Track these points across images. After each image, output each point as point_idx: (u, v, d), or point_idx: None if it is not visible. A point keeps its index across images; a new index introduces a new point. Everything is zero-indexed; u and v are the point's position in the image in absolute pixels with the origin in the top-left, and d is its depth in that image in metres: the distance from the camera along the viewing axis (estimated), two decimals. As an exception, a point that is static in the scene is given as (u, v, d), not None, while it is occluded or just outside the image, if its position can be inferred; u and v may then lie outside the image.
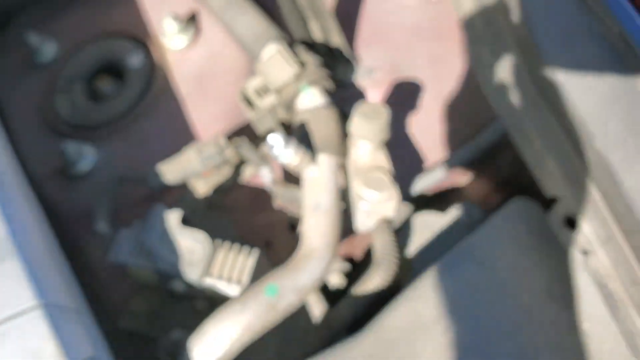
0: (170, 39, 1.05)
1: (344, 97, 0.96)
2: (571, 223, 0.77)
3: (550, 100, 0.75)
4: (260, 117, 0.88)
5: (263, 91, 0.88)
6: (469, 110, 0.97)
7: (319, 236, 0.75)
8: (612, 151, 0.69)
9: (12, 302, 0.61)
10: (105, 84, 1.07)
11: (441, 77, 0.98)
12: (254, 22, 0.91)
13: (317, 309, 0.87)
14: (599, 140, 0.70)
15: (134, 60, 1.06)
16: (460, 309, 0.70)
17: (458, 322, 0.69)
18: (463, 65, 0.97)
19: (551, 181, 0.78)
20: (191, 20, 1.06)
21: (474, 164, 0.95)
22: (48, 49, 1.10)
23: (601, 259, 0.74)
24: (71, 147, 0.95)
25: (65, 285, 0.69)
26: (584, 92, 0.71)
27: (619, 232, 0.70)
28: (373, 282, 0.76)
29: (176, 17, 1.02)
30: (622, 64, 0.69)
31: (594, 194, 0.73)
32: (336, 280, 0.94)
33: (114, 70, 1.08)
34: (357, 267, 0.98)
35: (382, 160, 0.82)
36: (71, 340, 0.63)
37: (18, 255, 0.64)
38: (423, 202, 0.95)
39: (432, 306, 0.69)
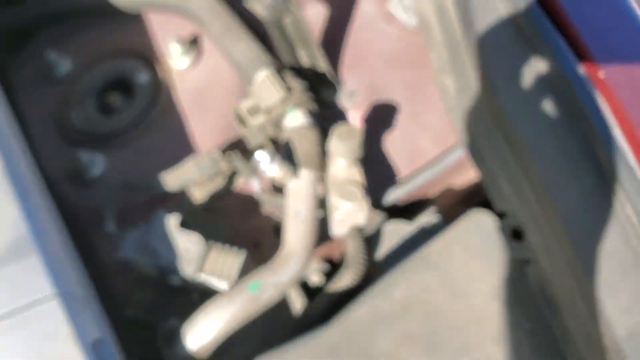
0: (174, 59, 1.09)
1: (327, 116, 1.01)
2: (517, 234, 0.85)
3: (502, 128, 0.83)
4: (252, 134, 0.94)
5: (254, 111, 0.94)
6: (438, 130, 1.02)
7: (298, 240, 0.82)
8: (549, 174, 0.77)
9: (32, 291, 0.67)
10: (115, 99, 1.10)
11: (414, 100, 1.04)
12: (248, 48, 0.97)
13: (298, 303, 0.94)
14: (539, 162, 0.78)
15: (142, 77, 1.10)
16: (414, 306, 0.77)
17: (412, 317, 0.76)
18: (433, 91, 1.03)
19: (501, 198, 0.86)
20: (194, 43, 1.11)
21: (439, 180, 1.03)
22: (64, 65, 1.14)
23: (541, 266, 0.81)
24: (84, 155, 1.00)
25: (77, 277, 0.76)
26: (529, 122, 0.79)
27: (556, 244, 0.78)
28: (344, 280, 0.84)
29: (180, 40, 1.07)
30: (559, 98, 0.77)
31: (537, 211, 0.80)
32: (316, 279, 1.01)
33: (124, 86, 1.12)
34: (335, 268, 1.05)
35: (356, 175, 0.89)
36: (82, 324, 0.69)
37: (38, 250, 0.70)
38: (396, 212, 1.02)
39: (390, 303, 0.76)
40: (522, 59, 0.80)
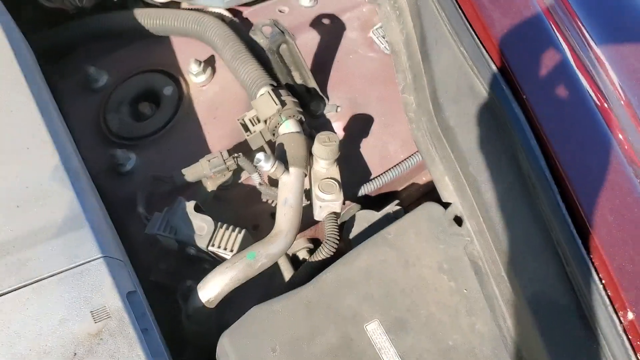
0: (193, 76, 1.25)
1: (315, 125, 1.19)
2: (458, 221, 1.02)
3: (447, 137, 1.01)
4: (253, 138, 1.11)
5: (256, 120, 1.12)
6: (405, 138, 1.19)
7: (286, 222, 0.99)
8: (479, 174, 0.94)
9: (84, 254, 0.83)
10: (144, 107, 1.26)
11: (386, 113, 1.20)
12: (251, 70, 1.13)
13: (287, 273, 1.12)
14: (472, 167, 0.95)
15: (167, 90, 1.26)
16: (374, 274, 0.93)
17: (371, 282, 0.92)
18: (401, 106, 1.21)
19: (446, 191, 1.03)
20: (209, 63, 1.27)
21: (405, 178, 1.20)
22: (101, 78, 1.29)
23: (475, 246, 0.98)
24: (119, 153, 1.15)
25: (116, 245, 0.94)
26: (466, 133, 0.97)
27: (485, 228, 0.96)
28: (321, 253, 1.01)
29: (198, 60, 1.24)
30: (490, 117, 0.94)
31: (472, 202, 0.98)
32: (303, 254, 1.20)
33: (152, 97, 1.28)
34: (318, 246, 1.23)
35: (334, 173, 1.06)
36: (119, 279, 0.84)
37: (88, 225, 0.87)
38: (367, 203, 1.20)
39: (354, 270, 0.92)
40: (463, 84, 0.97)
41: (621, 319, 0.81)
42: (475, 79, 0.97)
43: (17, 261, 0.85)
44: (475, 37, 0.99)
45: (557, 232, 0.85)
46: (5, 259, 0.85)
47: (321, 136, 1.04)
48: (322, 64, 1.28)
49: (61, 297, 0.83)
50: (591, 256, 0.83)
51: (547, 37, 0.96)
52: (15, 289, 0.83)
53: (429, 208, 1.04)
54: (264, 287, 1.09)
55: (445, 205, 1.03)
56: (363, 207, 1.16)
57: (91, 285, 0.84)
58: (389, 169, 1.16)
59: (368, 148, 1.20)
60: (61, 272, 0.84)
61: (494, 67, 0.96)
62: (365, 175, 1.18)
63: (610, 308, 0.82)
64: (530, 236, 0.89)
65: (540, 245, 0.87)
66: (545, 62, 0.97)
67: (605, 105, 0.95)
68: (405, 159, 1.17)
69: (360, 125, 1.22)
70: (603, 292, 0.82)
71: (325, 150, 1.03)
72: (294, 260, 1.19)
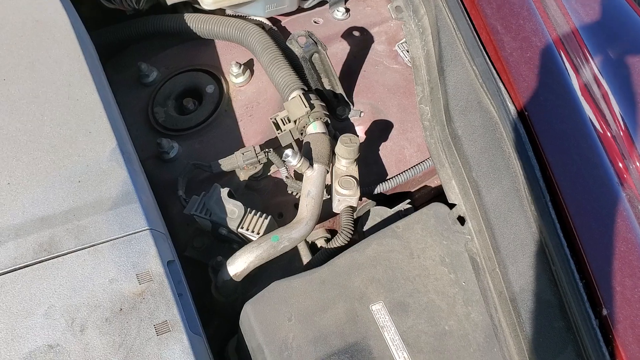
0: (233, 77, 1.37)
1: (339, 127, 1.30)
2: (461, 220, 1.13)
3: (456, 145, 1.12)
4: (283, 136, 1.22)
5: (286, 120, 1.24)
6: (420, 144, 1.30)
7: (307, 211, 1.11)
8: (480, 179, 1.05)
9: (134, 225, 0.94)
10: (188, 103, 1.37)
11: (405, 120, 1.31)
12: (285, 75, 1.24)
13: (305, 258, 1.23)
14: (475, 172, 1.06)
15: (209, 88, 1.38)
16: (381, 261, 1.05)
17: (378, 268, 1.04)
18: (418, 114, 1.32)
19: (452, 194, 1.14)
20: (248, 66, 1.39)
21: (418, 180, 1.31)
22: (152, 74, 1.41)
23: (475, 244, 1.09)
24: (164, 142, 1.27)
25: (160, 220, 1.07)
26: (471, 142, 1.08)
27: (484, 228, 1.06)
28: (337, 242, 1.13)
29: (238, 63, 1.36)
30: (494, 129, 1.05)
31: (474, 204, 1.09)
32: (321, 243, 1.32)
33: (195, 94, 1.39)
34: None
35: (354, 171, 1.17)
36: (162, 249, 0.96)
37: (138, 201, 1.00)
38: (382, 200, 1.31)
39: (364, 256, 1.03)
40: (473, 98, 1.08)
41: (597, 314, 0.91)
42: (483, 95, 1.08)
43: (76, 228, 0.98)
44: (486, 57, 1.10)
45: (546, 234, 0.95)
46: (67, 225, 0.98)
47: (344, 138, 1.15)
48: (350, 72, 1.39)
49: (112, 260, 0.95)
50: (574, 258, 0.93)
51: (553, 61, 1.06)
52: (74, 251, 0.96)
53: (436, 207, 1.15)
54: (283, 269, 1.20)
55: (451, 205, 1.13)
56: (377, 204, 1.27)
57: (138, 252, 0.96)
58: (404, 171, 1.27)
59: (386, 151, 1.30)
60: (114, 239, 0.97)
61: (501, 86, 1.07)
62: (381, 175, 1.29)
63: (587, 304, 0.92)
64: (521, 236, 0.99)
65: (530, 245, 0.97)
66: (549, 83, 1.07)
67: (602, 130, 1.04)
68: (418, 163, 1.28)
69: (380, 130, 1.32)
70: (582, 290, 0.92)
71: (346, 151, 1.14)
72: (312, 247, 1.30)
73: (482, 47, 1.11)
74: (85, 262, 0.96)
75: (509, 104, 1.05)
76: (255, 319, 0.97)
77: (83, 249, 0.97)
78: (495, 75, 1.08)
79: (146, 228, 0.99)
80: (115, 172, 1.03)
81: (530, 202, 0.99)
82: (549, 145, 1.01)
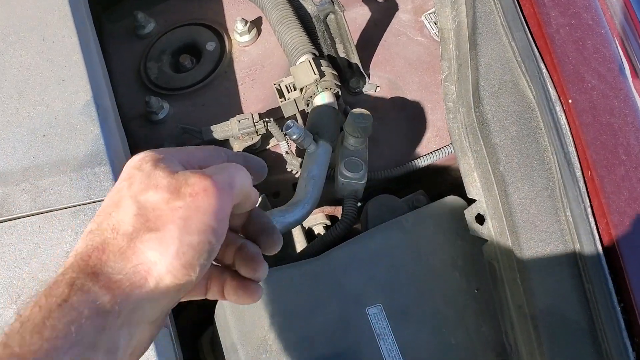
0: (238, 34, 1.24)
1: (351, 102, 1.17)
2: (480, 219, 0.98)
3: (482, 132, 0.97)
4: (287, 105, 1.09)
5: (292, 87, 1.10)
6: (440, 128, 1.15)
7: (306, 193, 0.97)
8: (508, 174, 0.90)
9: (101, 192, 0.83)
10: (185, 60, 1.25)
11: (425, 100, 1.17)
12: (295, 36, 1.10)
13: (300, 245, 1.10)
14: (503, 165, 0.91)
15: (210, 45, 1.25)
16: (384, 257, 0.90)
17: (379, 265, 0.90)
18: (441, 95, 1.17)
19: (473, 187, 0.99)
20: (255, 24, 1.25)
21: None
22: (148, 25, 1.29)
23: (494, 247, 0.94)
24: (154, 101, 1.15)
25: None
26: (501, 130, 0.93)
27: (507, 231, 0.92)
28: (335, 231, 0.99)
29: (244, 20, 1.22)
30: (530, 117, 0.90)
31: (497, 202, 0.94)
32: (319, 230, 1.18)
33: (194, 50, 1.27)
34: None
35: (362, 152, 1.01)
36: None
37: (109, 164, 0.88)
38: (391, 188, 1.17)
39: (364, 250, 0.90)
40: (508, 79, 0.93)
41: (634, 345, 0.77)
42: (520, 75, 0.92)
43: (34, 188, 0.85)
44: (528, 33, 0.95)
45: (581, 245, 0.81)
46: (24, 184, 0.85)
47: (355, 113, 1.01)
48: (368, 41, 1.24)
49: (72, 230, 0.83)
50: (613, 277, 0.79)
51: (606, 45, 0.90)
52: (28, 215, 0.83)
53: (452, 201, 1.01)
54: (274, 256, 1.07)
55: (470, 201, 0.99)
56: (385, 192, 1.13)
57: (103, 224, 0.83)
58: (419, 157, 1.12)
59: (401, 133, 1.16)
60: (76, 205, 0.84)
61: (542, 67, 0.92)
62: (393, 159, 1.15)
63: (625, 333, 0.77)
64: (551, 245, 0.85)
65: (561, 257, 0.83)
66: (599, 70, 0.91)
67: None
68: (436, 150, 1.13)
69: (396, 109, 1.18)
70: (620, 316, 0.78)
71: (357, 129, 1.00)
72: (309, 233, 1.17)
73: (524, 21, 0.95)
74: (41, 229, 0.83)
75: (550, 89, 0.90)
76: (231, 314, 0.84)
77: (39, 213, 0.84)
78: (537, 54, 0.92)
79: (115, 196, 0.85)
80: (87, 128, 0.90)
81: (566, 207, 0.84)
82: (594, 142, 0.86)
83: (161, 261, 0.52)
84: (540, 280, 0.84)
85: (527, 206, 0.87)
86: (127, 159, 0.95)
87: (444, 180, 1.19)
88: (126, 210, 0.54)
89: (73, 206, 0.84)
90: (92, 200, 0.85)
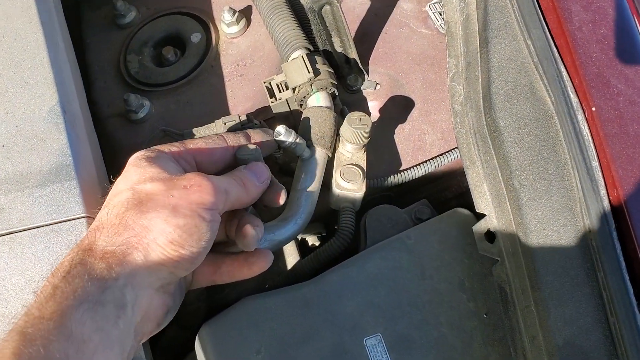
0: (225, 25, 1.13)
1: (349, 101, 1.06)
2: (490, 236, 0.89)
3: (494, 140, 0.87)
4: (277, 106, 0.98)
5: (284, 86, 0.99)
6: (445, 130, 1.05)
7: (299, 207, 0.88)
8: (523, 190, 0.81)
9: (67, 211, 0.73)
10: (168, 52, 1.14)
11: (429, 99, 1.06)
12: (287, 29, 0.99)
13: (292, 258, 1.00)
14: (517, 180, 0.82)
15: (195, 37, 1.14)
16: (383, 280, 0.81)
17: (379, 289, 0.81)
18: (447, 93, 1.07)
19: (482, 201, 0.90)
20: (244, 14, 1.15)
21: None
22: (129, 14, 1.18)
23: (505, 269, 0.85)
24: (133, 98, 1.05)
25: None
26: (516, 139, 0.83)
27: (520, 252, 0.83)
28: (331, 247, 0.90)
29: (232, 9, 1.12)
30: (548, 127, 0.80)
31: (510, 219, 0.85)
32: (313, 240, 1.09)
33: (178, 42, 1.17)
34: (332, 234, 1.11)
35: (360, 159, 0.93)
36: None
37: (77, 179, 0.77)
38: (391, 198, 1.08)
39: (361, 273, 0.81)
40: (523, 82, 0.83)
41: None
42: (537, 79, 0.83)
43: (-9, 207, 0.75)
44: (546, 30, 0.85)
45: (606, 274, 0.72)
46: (-22, 202, 0.75)
47: (352, 117, 0.91)
48: (367, 33, 1.13)
49: (32, 255, 0.73)
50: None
51: (634, 45, 0.81)
52: (-17, 239, 0.74)
53: (459, 215, 0.91)
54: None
55: (478, 215, 0.89)
56: (384, 199, 1.04)
57: (68, 247, 0.74)
58: (422, 163, 1.03)
59: (402, 135, 1.06)
60: (37, 227, 0.75)
61: (562, 69, 0.82)
62: (393, 165, 1.05)
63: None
64: (571, 272, 0.76)
65: (583, 286, 0.74)
66: (626, 73, 0.82)
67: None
68: (441, 154, 1.04)
69: (397, 109, 1.08)
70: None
71: (354, 134, 0.90)
72: (301, 244, 1.08)
73: (541, 17, 0.85)
74: (-3, 255, 0.73)
75: (571, 94, 0.80)
76: (213, 348, 0.75)
77: (-4, 236, 0.74)
78: (556, 54, 0.83)
79: (82, 215, 0.77)
80: (52, 137, 0.80)
81: (589, 229, 0.75)
82: (621, 155, 0.76)
83: (149, 235, 0.61)
84: (559, 311, 0.75)
85: (544, 227, 0.78)
86: (99, 171, 0.87)
87: (448, 187, 1.10)
88: (122, 196, 0.64)
89: (34, 227, 0.75)
90: (56, 221, 0.75)
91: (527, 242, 0.80)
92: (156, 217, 0.62)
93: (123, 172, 0.69)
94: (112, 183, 0.72)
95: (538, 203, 0.79)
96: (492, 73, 0.86)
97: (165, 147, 0.74)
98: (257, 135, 0.85)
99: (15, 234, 0.74)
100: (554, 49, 0.83)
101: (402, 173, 1.00)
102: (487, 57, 0.89)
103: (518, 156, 0.81)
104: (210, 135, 0.80)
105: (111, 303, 0.58)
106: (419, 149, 1.05)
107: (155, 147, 0.74)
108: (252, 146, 0.81)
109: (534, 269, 0.79)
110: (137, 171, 0.67)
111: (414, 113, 1.07)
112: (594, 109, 0.78)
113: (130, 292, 0.60)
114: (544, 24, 0.85)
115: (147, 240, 0.61)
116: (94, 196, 0.79)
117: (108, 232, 0.62)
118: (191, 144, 0.75)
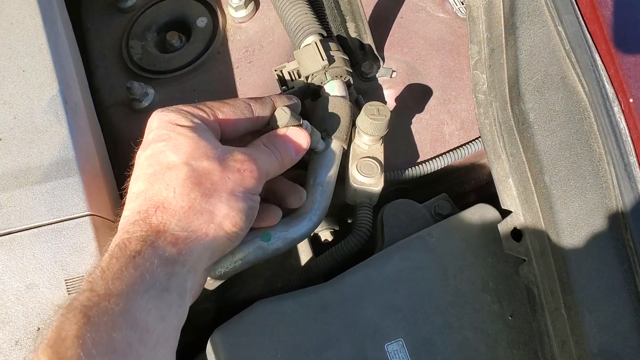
0: (233, 9, 1.07)
1: (363, 89, 1.00)
2: (517, 234, 0.85)
3: (521, 133, 0.82)
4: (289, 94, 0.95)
5: (296, 75, 0.94)
6: (465, 120, 1.00)
7: (312, 202, 0.84)
8: (555, 187, 0.76)
9: (69, 209, 0.70)
10: (173, 38, 1.08)
11: (448, 87, 1.01)
12: (299, 13, 0.93)
13: (305, 256, 0.96)
14: (548, 176, 0.77)
15: (201, 21, 1.09)
16: (404, 282, 0.77)
17: (399, 291, 0.77)
18: (467, 82, 1.01)
19: (508, 197, 0.85)
20: None
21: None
22: None
23: (533, 269, 0.81)
24: (136, 86, 1.00)
25: (110, 204, 0.80)
26: (547, 133, 0.78)
27: (550, 252, 0.78)
28: (348, 245, 0.85)
29: None
30: (582, 120, 0.75)
31: (539, 217, 0.80)
32: (326, 235, 1.05)
33: (183, 27, 1.11)
34: (346, 227, 1.07)
35: (378, 152, 0.88)
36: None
37: (79, 174, 0.73)
38: (408, 191, 1.03)
39: (381, 274, 0.77)
40: (554, 72, 0.78)
41: None
42: (569, 68, 0.78)
43: (-12, 206, 0.70)
44: (579, 16, 0.79)
45: (645, 277, 0.68)
46: (-25, 200, 0.70)
47: (370, 107, 0.86)
48: (382, 17, 1.07)
49: (33, 257, 0.69)
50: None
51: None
52: (-20, 239, 0.69)
53: (483, 211, 0.87)
54: (274, 265, 0.94)
55: (503, 212, 0.85)
56: (399, 193, 0.99)
57: (71, 248, 0.71)
58: (440, 155, 0.98)
59: (420, 125, 1.01)
60: (38, 226, 0.71)
61: (596, 57, 0.77)
62: (410, 157, 1.00)
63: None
64: (606, 275, 0.71)
65: (620, 290, 0.70)
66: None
67: None
68: (461, 146, 0.99)
69: (415, 98, 1.02)
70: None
71: (372, 125, 0.85)
72: (314, 239, 1.03)
73: (574, 1, 0.80)
74: (-5, 257, 0.69)
75: (606, 85, 0.75)
76: (225, 354, 0.71)
77: (-7, 237, 0.69)
78: (590, 42, 0.77)
79: (86, 213, 0.72)
80: (52, 129, 0.75)
81: (626, 229, 0.70)
82: (660, 150, 0.71)
83: (216, 220, 0.63)
84: (593, 316, 0.71)
85: (577, 226, 0.74)
86: (103, 165, 0.82)
87: (467, 180, 1.05)
88: (180, 172, 0.63)
89: (35, 227, 0.70)
90: (59, 220, 0.70)
91: (558, 241, 0.75)
92: (219, 201, 0.63)
93: (156, 132, 0.68)
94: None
95: (571, 201, 0.74)
96: (521, 61, 0.81)
97: (196, 111, 0.71)
98: (280, 101, 0.82)
99: (15, 234, 0.70)
100: (587, 35, 0.78)
101: (421, 165, 0.96)
102: (514, 44, 0.83)
103: (549, 151, 0.76)
104: (237, 102, 0.76)
105: (175, 291, 0.58)
106: (437, 140, 1.00)
107: (184, 108, 0.71)
108: (286, 111, 0.79)
109: (565, 270, 0.74)
110: (188, 143, 0.65)
111: (431, 102, 1.02)
112: (631, 100, 0.73)
113: (191, 279, 0.61)
114: (577, 8, 0.80)
115: (214, 225, 0.63)
116: (99, 192, 0.74)
117: (178, 215, 0.61)
118: (219, 112, 0.72)
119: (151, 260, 0.57)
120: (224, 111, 0.74)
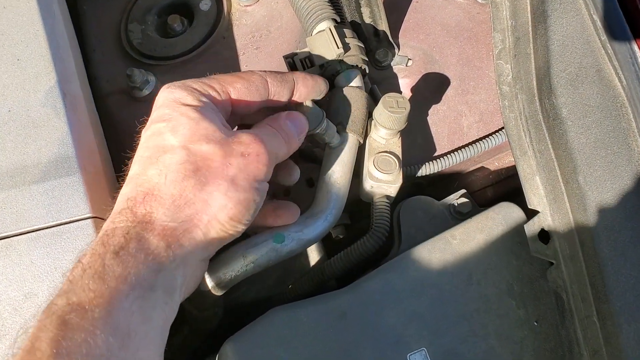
0: None
1: (378, 78, 0.96)
2: (544, 236, 0.80)
3: (552, 129, 0.77)
4: None
5: (308, 63, 0.89)
6: (484, 112, 0.95)
7: (329, 201, 0.79)
8: (591, 188, 0.71)
9: (70, 211, 0.65)
10: (174, 21, 1.03)
11: (467, 77, 0.96)
12: None
13: (317, 255, 0.91)
14: (582, 176, 0.72)
15: (204, 4, 1.03)
16: (427, 288, 0.73)
17: (423, 298, 0.72)
18: (487, 71, 0.96)
19: (535, 196, 0.80)
20: None
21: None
22: None
23: (560, 272, 0.77)
24: (136, 74, 0.95)
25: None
26: (582, 129, 0.73)
27: (582, 257, 0.74)
28: (365, 246, 0.81)
29: None
30: (621, 117, 0.70)
31: (569, 219, 0.75)
32: (338, 231, 1.00)
33: (185, 10, 1.06)
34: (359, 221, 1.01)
35: (395, 146, 0.83)
36: None
37: (80, 172, 0.68)
38: (426, 187, 0.98)
39: (403, 280, 0.72)
40: (589, 65, 0.73)
41: None
42: (606, 61, 0.72)
43: (-19, 207, 0.65)
44: (616, 2, 0.74)
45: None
46: (-33, 202, 0.65)
47: (388, 99, 0.81)
48: (396, 2, 1.02)
49: (32, 263, 0.64)
50: None
51: None
52: (-26, 245, 0.64)
53: (507, 211, 0.82)
54: (284, 264, 0.89)
55: (529, 212, 0.80)
56: (416, 190, 0.94)
57: (72, 254, 0.65)
58: (459, 149, 0.93)
59: (437, 118, 0.96)
60: (36, 230, 0.65)
61: (635, 49, 0.71)
62: (427, 150, 0.95)
63: None
64: (644, 281, 0.67)
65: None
66: None
67: None
68: (480, 139, 0.94)
69: (431, 88, 0.97)
70: None
71: (390, 118, 0.80)
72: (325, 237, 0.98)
73: (610, -13, 0.74)
74: (-10, 263, 0.63)
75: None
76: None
77: (-13, 242, 0.64)
78: (629, 32, 0.72)
79: (88, 216, 0.67)
80: (50, 124, 0.70)
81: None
82: None
83: (209, 211, 0.57)
84: (632, 327, 0.67)
85: (614, 231, 0.69)
86: (104, 162, 0.76)
87: (485, 174, 1.00)
88: (175, 156, 0.57)
89: (33, 230, 0.65)
90: (58, 222, 0.65)
91: (593, 246, 0.70)
92: (216, 190, 0.58)
93: (159, 112, 0.62)
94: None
95: (608, 204, 0.69)
96: (552, 52, 0.76)
97: (205, 88, 0.65)
98: (303, 82, 0.74)
99: (11, 238, 0.64)
100: (625, 25, 0.73)
101: (439, 160, 0.91)
102: (544, 33, 0.78)
103: (584, 149, 0.72)
104: (253, 77, 0.69)
105: (161, 288, 0.54)
106: (455, 133, 0.95)
107: (192, 85, 0.65)
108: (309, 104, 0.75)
109: (600, 277, 0.70)
110: (189, 124, 0.59)
111: (449, 92, 0.97)
112: (673, 95, 0.68)
113: (180, 275, 0.56)
114: (614, -5, 0.74)
115: (207, 216, 0.57)
116: (101, 193, 0.69)
117: (168, 204, 0.56)
118: (231, 89, 0.66)
119: (136, 256, 0.53)
120: (237, 87, 0.67)
